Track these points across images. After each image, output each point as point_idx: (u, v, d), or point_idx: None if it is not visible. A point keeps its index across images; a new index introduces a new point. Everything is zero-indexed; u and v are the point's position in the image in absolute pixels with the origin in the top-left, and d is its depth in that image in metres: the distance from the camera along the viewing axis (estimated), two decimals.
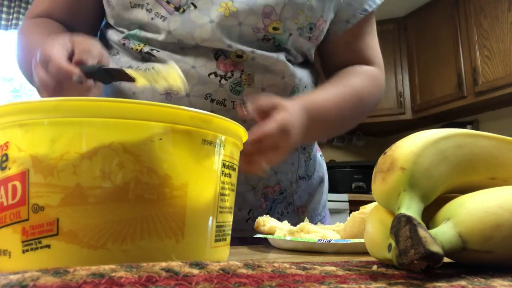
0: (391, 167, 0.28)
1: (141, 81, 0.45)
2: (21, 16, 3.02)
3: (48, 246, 0.25)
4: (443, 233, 0.25)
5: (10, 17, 3.03)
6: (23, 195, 0.26)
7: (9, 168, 0.27)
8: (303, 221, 0.53)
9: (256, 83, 0.63)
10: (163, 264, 0.21)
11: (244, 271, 0.22)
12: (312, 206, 0.76)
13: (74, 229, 0.25)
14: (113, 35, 0.67)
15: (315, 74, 0.77)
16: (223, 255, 0.33)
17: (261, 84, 0.64)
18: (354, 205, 2.86)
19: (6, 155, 0.27)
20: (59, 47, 0.48)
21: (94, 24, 0.73)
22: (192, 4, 0.61)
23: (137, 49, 0.63)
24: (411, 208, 0.26)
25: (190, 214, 0.28)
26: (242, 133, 0.34)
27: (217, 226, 0.31)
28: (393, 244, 0.25)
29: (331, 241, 0.43)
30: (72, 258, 0.25)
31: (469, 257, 0.26)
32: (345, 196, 2.91)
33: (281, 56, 0.64)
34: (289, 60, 0.67)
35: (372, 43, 0.79)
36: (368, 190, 3.12)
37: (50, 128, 0.26)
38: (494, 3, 2.77)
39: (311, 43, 0.70)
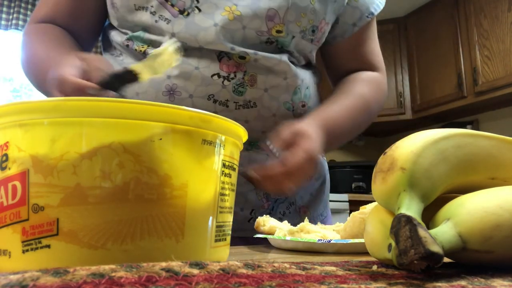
0: (391, 167, 0.28)
1: (145, 76, 0.45)
2: (21, 16, 3.02)
3: (48, 246, 0.25)
4: (443, 233, 0.25)
5: (10, 17, 3.02)
6: (23, 195, 0.26)
7: (9, 168, 0.27)
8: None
9: (258, 84, 0.64)
10: (163, 264, 0.21)
11: (244, 271, 0.22)
12: (314, 206, 0.76)
13: (74, 229, 0.25)
14: (117, 37, 0.68)
15: (317, 75, 0.78)
16: (223, 255, 0.33)
17: (264, 85, 0.64)
18: (354, 205, 2.86)
19: (6, 155, 0.27)
20: (70, 68, 0.49)
21: (97, 26, 0.74)
22: (197, 7, 0.62)
23: (140, 51, 0.64)
24: (411, 208, 0.26)
25: (190, 214, 0.28)
26: (242, 133, 0.34)
27: (217, 226, 0.31)
28: (393, 244, 0.25)
29: (331, 241, 0.43)
30: (72, 258, 0.25)
31: (469, 257, 0.26)
32: (345, 196, 2.91)
33: (284, 57, 0.65)
34: (291, 62, 0.67)
35: (375, 48, 0.81)
36: (368, 190, 3.12)
37: (50, 128, 0.26)
38: (494, 3, 2.77)
39: (313, 45, 0.71)
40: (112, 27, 0.71)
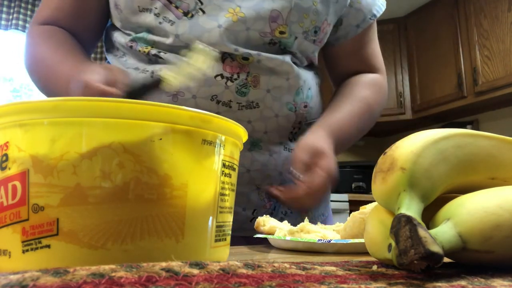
0: (391, 167, 0.28)
1: (175, 83, 0.46)
2: (21, 16, 3.02)
3: (48, 246, 0.25)
4: (443, 233, 0.25)
5: (10, 17, 3.02)
6: (23, 195, 0.26)
7: (9, 168, 0.27)
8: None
9: (261, 85, 0.64)
10: (163, 264, 0.21)
11: (244, 271, 0.22)
12: None
13: (74, 229, 0.25)
14: (120, 38, 0.68)
15: (319, 76, 0.79)
16: (223, 255, 0.33)
17: (267, 85, 0.65)
18: (354, 205, 2.86)
19: (6, 155, 0.27)
20: (95, 75, 0.50)
21: (99, 28, 0.74)
22: (201, 9, 0.62)
23: (144, 52, 0.64)
24: (411, 208, 0.26)
25: (190, 214, 0.28)
26: (242, 133, 0.34)
27: (217, 226, 0.31)
28: (393, 244, 0.25)
29: (331, 241, 0.43)
30: (72, 258, 0.25)
31: (469, 257, 0.26)
32: (345, 196, 2.91)
33: (287, 58, 0.66)
34: (294, 63, 0.68)
35: (376, 49, 0.83)
36: (368, 190, 3.12)
37: (50, 128, 0.26)
38: (494, 3, 2.77)
39: (315, 46, 0.72)
40: (114, 28, 0.71)
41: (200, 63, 0.50)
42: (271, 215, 0.70)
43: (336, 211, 2.80)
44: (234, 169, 0.34)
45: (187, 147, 0.28)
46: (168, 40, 0.62)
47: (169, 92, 0.62)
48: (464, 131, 0.31)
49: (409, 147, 0.29)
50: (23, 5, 3.04)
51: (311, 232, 0.49)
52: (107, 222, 0.25)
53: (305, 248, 0.46)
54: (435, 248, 0.22)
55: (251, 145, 0.66)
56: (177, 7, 0.62)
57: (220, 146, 0.31)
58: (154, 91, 0.56)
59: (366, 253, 0.42)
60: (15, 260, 0.26)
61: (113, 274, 0.19)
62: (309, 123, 0.73)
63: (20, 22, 3.00)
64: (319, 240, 0.44)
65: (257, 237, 0.52)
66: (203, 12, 0.62)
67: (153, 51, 0.63)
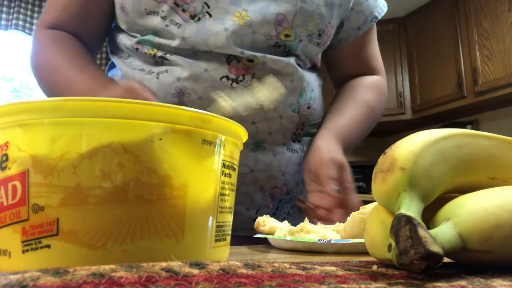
0: (391, 167, 0.28)
1: (229, 108, 0.47)
2: (21, 16, 3.02)
3: (48, 246, 0.25)
4: (443, 233, 0.25)
5: (10, 17, 3.02)
6: (23, 195, 0.26)
7: (9, 168, 0.27)
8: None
9: None
10: (163, 264, 0.21)
11: (244, 271, 0.22)
12: None
13: (74, 229, 0.25)
14: (125, 40, 0.68)
15: (321, 77, 0.80)
16: (223, 255, 0.33)
17: None
18: None
19: (6, 155, 0.27)
20: (122, 92, 0.52)
21: (104, 30, 0.74)
22: (207, 13, 0.63)
23: (150, 54, 0.65)
24: (411, 208, 0.26)
25: (190, 214, 0.28)
26: (242, 133, 0.34)
27: (217, 226, 0.31)
28: (393, 244, 0.25)
29: (331, 241, 0.43)
30: (72, 258, 0.25)
31: (469, 257, 0.26)
32: None
33: (291, 60, 0.67)
34: (298, 65, 0.69)
35: (376, 52, 0.84)
36: (368, 190, 3.12)
37: (50, 128, 0.26)
38: (494, 3, 2.77)
39: (319, 48, 0.73)
40: (119, 30, 0.71)
41: (263, 96, 0.51)
42: (274, 215, 0.71)
43: None
44: (234, 169, 0.34)
45: (187, 147, 0.28)
46: (174, 43, 0.63)
47: (175, 92, 0.62)
48: (464, 131, 0.31)
49: (409, 147, 0.29)
50: (23, 5, 3.03)
51: (311, 232, 0.48)
52: (107, 222, 0.25)
53: (305, 248, 0.46)
54: (435, 248, 0.22)
55: (255, 145, 0.67)
56: (184, 10, 0.63)
57: (220, 146, 0.31)
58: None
59: (366, 253, 0.42)
60: (15, 260, 0.26)
61: (113, 274, 0.19)
62: (312, 124, 0.74)
63: (20, 22, 3.00)
64: (319, 240, 0.44)
65: (257, 237, 0.52)
66: (210, 15, 0.63)
67: (159, 53, 0.64)
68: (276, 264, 0.24)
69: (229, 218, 0.33)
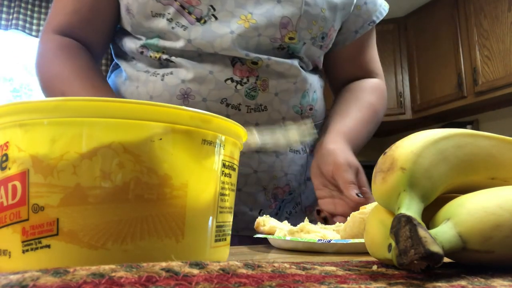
0: (391, 167, 0.28)
1: (256, 144, 0.48)
2: (21, 16, 3.02)
3: (48, 246, 0.25)
4: (443, 233, 0.25)
5: (10, 17, 3.02)
6: (23, 195, 0.26)
7: (9, 168, 0.27)
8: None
9: (270, 88, 0.66)
10: (163, 264, 0.21)
11: (244, 271, 0.22)
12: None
13: (74, 229, 0.25)
14: (130, 43, 0.68)
15: (323, 79, 0.81)
16: (223, 255, 0.33)
17: (275, 89, 0.66)
18: None
19: (6, 155, 0.27)
20: None
21: (110, 33, 0.74)
22: (213, 15, 0.63)
23: (155, 57, 0.65)
24: (411, 208, 0.26)
25: (190, 214, 0.28)
26: (242, 133, 0.34)
27: (217, 226, 0.31)
28: (393, 244, 0.25)
29: (331, 241, 0.43)
30: (72, 258, 0.25)
31: (469, 257, 0.26)
32: None
33: (295, 62, 0.67)
34: (301, 67, 0.70)
35: (375, 55, 0.85)
36: None
37: (50, 128, 0.26)
38: (494, 3, 2.77)
39: (321, 51, 0.74)
40: (124, 32, 0.71)
41: (294, 136, 0.52)
42: (276, 215, 0.71)
43: None
44: (234, 169, 0.34)
45: (187, 147, 0.28)
46: (179, 44, 0.63)
47: (179, 94, 0.63)
48: (464, 131, 0.31)
49: (409, 147, 0.29)
50: (23, 5, 3.03)
51: (311, 232, 0.49)
52: (107, 222, 0.25)
53: (305, 248, 0.46)
54: (435, 248, 0.22)
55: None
56: (190, 13, 0.63)
57: (220, 146, 0.31)
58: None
59: (366, 253, 0.42)
60: (15, 260, 0.26)
61: (113, 274, 0.19)
62: (314, 126, 0.74)
63: (20, 22, 3.00)
64: (319, 240, 0.44)
65: (257, 237, 0.52)
66: (216, 18, 0.63)
67: (164, 56, 0.64)
68: (276, 264, 0.24)
69: (229, 218, 0.33)
